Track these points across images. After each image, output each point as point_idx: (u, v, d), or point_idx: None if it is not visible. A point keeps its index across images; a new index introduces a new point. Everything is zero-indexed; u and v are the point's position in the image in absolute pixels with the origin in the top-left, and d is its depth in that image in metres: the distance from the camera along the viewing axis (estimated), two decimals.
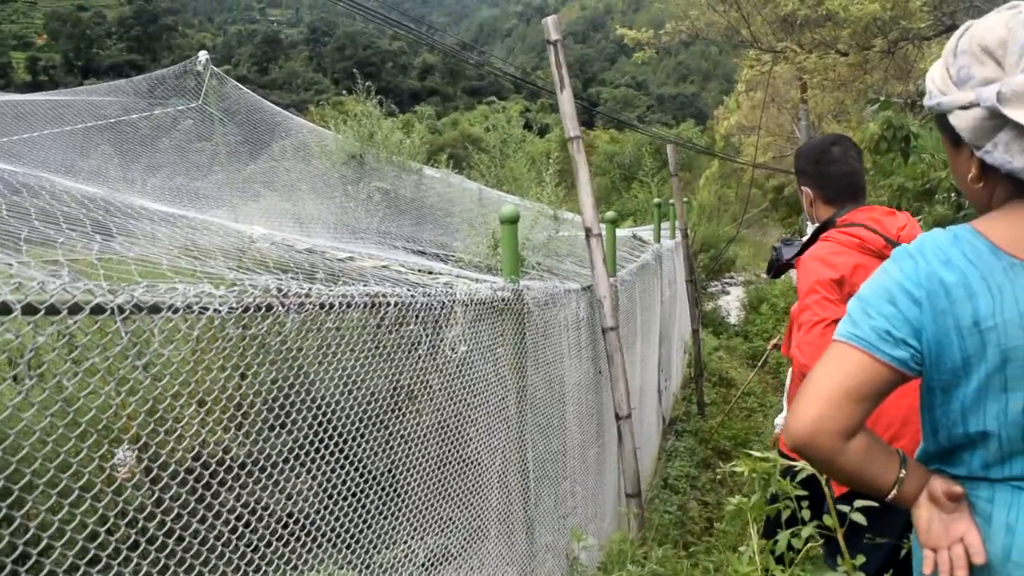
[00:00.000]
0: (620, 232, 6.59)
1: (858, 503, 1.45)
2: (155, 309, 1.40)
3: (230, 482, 1.77)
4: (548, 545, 3.27)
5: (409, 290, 2.31)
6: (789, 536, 1.57)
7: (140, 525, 1.55)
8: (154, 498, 1.62)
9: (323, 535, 1.92)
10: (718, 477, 6.24)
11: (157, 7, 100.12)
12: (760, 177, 20.60)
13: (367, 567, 2.06)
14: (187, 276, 1.73)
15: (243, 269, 2.03)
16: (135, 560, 1.42)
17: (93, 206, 2.12)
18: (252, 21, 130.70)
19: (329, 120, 7.27)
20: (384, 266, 3.49)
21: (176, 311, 1.43)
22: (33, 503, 1.36)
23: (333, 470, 1.97)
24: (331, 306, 1.88)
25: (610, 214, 5.26)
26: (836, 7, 8.41)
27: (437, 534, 2.44)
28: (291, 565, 1.87)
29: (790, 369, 3.54)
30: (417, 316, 2.33)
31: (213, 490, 1.66)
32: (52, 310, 1.22)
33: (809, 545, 1.57)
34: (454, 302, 2.52)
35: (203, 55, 7.28)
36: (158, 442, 1.67)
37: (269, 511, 1.84)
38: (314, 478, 1.97)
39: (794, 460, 1.49)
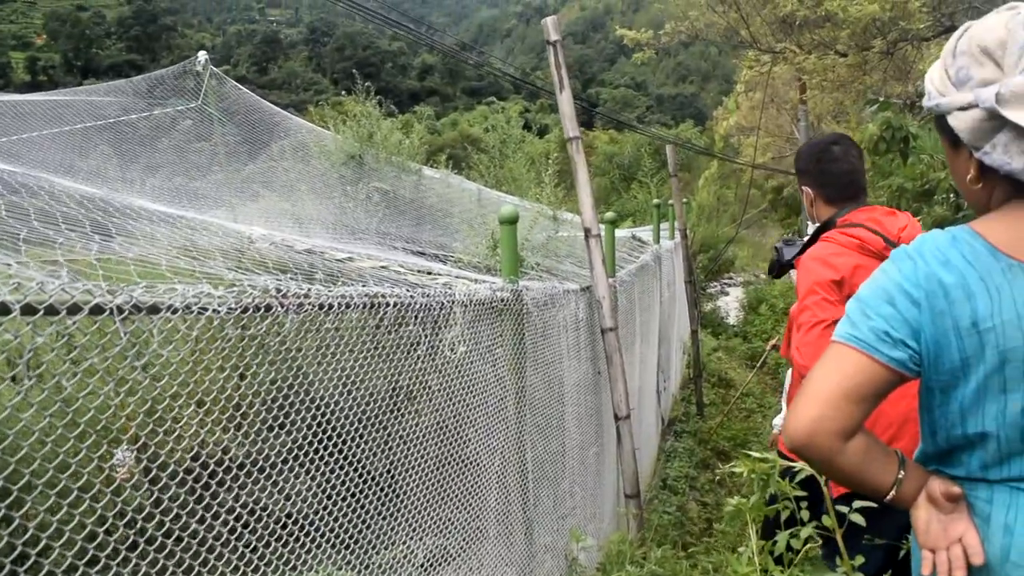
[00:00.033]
0: (619, 233, 6.60)
1: (857, 504, 1.45)
2: (154, 309, 1.40)
3: (229, 483, 1.77)
4: (547, 546, 3.27)
5: (408, 291, 2.31)
6: (788, 537, 1.57)
7: (139, 526, 1.55)
8: (153, 499, 1.61)
9: (322, 536, 1.92)
10: (717, 478, 6.24)
11: (156, 7, 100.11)
12: (759, 178, 20.63)
13: (366, 568, 2.06)
14: (186, 276, 1.73)
15: (242, 269, 2.03)
16: (134, 560, 1.42)
17: (92, 206, 2.12)
18: (251, 21, 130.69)
19: (328, 120, 7.27)
20: (383, 267, 3.49)
21: (175, 311, 1.43)
22: (32, 503, 1.35)
23: (332, 471, 1.97)
24: (330, 307, 1.87)
25: (609, 215, 5.26)
26: (835, 8, 8.41)
27: (436, 535, 2.43)
28: (290, 566, 1.87)
29: (789, 370, 3.54)
30: (416, 317, 2.33)
31: (212, 491, 1.66)
32: (51, 310, 1.22)
33: (808, 546, 1.57)
34: (453, 303, 2.52)
35: (202, 55, 7.27)
36: (157, 443, 1.66)
37: (268, 512, 1.84)
38: (313, 479, 1.97)
39: (793, 461, 1.49)
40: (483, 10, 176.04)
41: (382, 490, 2.14)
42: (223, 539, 1.64)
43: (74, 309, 1.25)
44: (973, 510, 1.23)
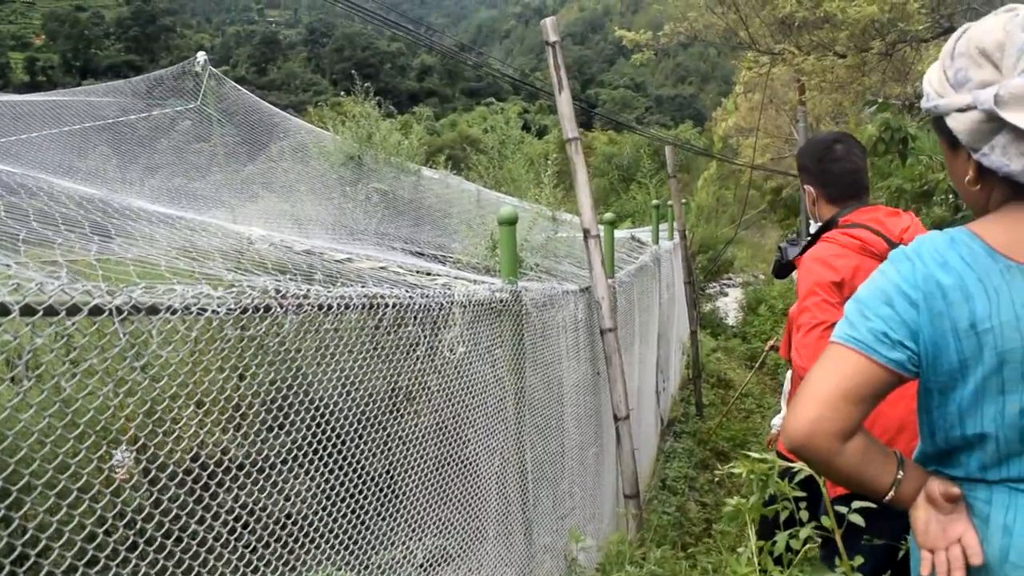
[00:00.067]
0: (618, 233, 6.60)
1: (856, 504, 1.45)
2: (153, 310, 1.40)
3: (228, 483, 1.77)
4: (546, 546, 3.27)
5: (407, 291, 2.31)
6: (787, 537, 1.57)
7: (138, 526, 1.55)
8: (152, 499, 1.61)
9: (321, 536, 1.92)
10: (716, 478, 6.24)
11: (155, 8, 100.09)
12: (758, 178, 20.66)
13: (365, 568, 2.06)
14: (185, 277, 1.73)
15: (241, 270, 2.03)
16: (133, 561, 1.42)
17: (91, 207, 2.12)
18: (250, 22, 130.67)
19: (327, 121, 7.26)
20: (382, 267, 3.49)
21: (174, 312, 1.43)
22: (31, 504, 1.35)
23: (331, 471, 1.97)
24: (329, 307, 1.88)
25: (608, 215, 5.26)
26: (834, 9, 8.42)
27: (435, 535, 2.44)
28: (289, 566, 1.87)
29: (789, 371, 3.54)
30: (415, 317, 2.33)
31: (211, 491, 1.66)
32: (50, 311, 1.22)
33: (807, 546, 1.57)
34: (452, 303, 2.52)
35: (201, 56, 7.27)
36: (156, 443, 1.66)
37: (267, 512, 1.84)
38: (312, 479, 1.97)
39: (792, 461, 1.50)
40: (482, 11, 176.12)
41: (381, 491, 2.14)
42: (222, 540, 1.64)
43: (73, 310, 1.25)
44: (972, 511, 1.24)
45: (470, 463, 2.64)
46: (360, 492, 2.04)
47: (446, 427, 2.50)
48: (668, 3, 12.06)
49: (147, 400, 1.53)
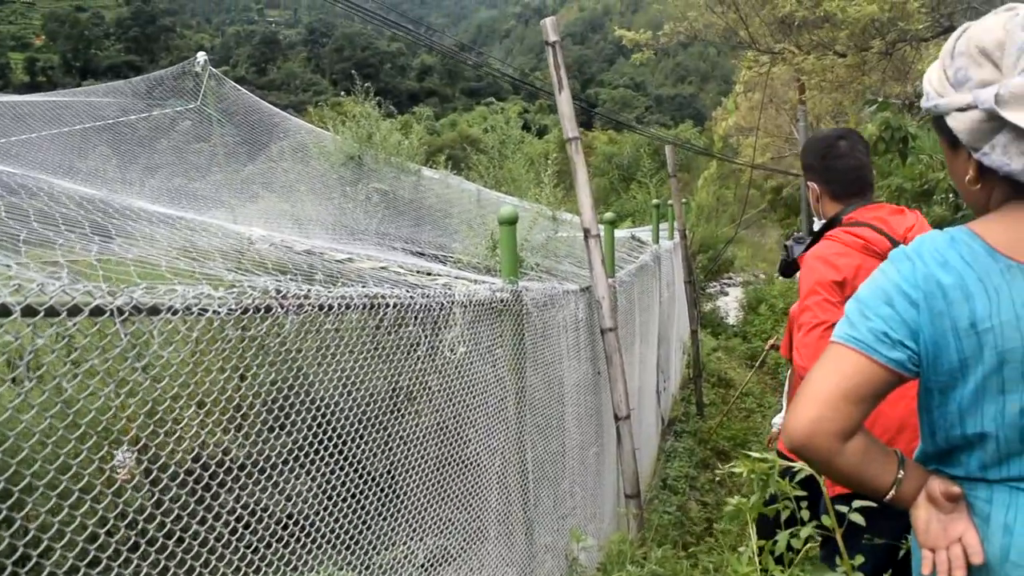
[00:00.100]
0: (618, 233, 6.60)
1: (856, 503, 1.45)
2: (154, 311, 1.40)
3: (229, 483, 1.77)
4: (547, 546, 3.27)
5: (408, 291, 2.31)
6: (788, 536, 1.57)
7: (140, 527, 1.56)
8: (153, 500, 1.62)
9: (322, 536, 1.92)
10: (717, 478, 6.24)
11: (155, 8, 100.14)
12: (758, 178, 20.66)
13: (367, 568, 2.06)
14: (186, 278, 1.73)
15: (242, 270, 2.03)
16: (135, 561, 1.42)
17: (91, 207, 2.12)
18: (250, 22, 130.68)
19: (327, 121, 7.26)
20: (383, 267, 3.49)
21: (175, 313, 1.43)
22: (33, 505, 1.35)
23: (332, 471, 1.97)
24: (330, 307, 1.88)
25: (608, 215, 5.26)
26: (834, 8, 8.42)
27: (436, 535, 2.44)
28: (290, 566, 1.87)
29: (789, 370, 3.54)
30: (416, 317, 2.33)
31: (212, 491, 1.66)
32: (51, 312, 1.22)
33: (808, 546, 1.57)
34: (453, 303, 2.52)
35: (201, 56, 7.27)
36: (157, 444, 1.67)
37: (268, 512, 1.84)
38: (313, 479, 1.97)
39: (792, 460, 1.50)
40: (482, 11, 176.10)
41: (382, 490, 2.14)
42: (224, 540, 1.64)
43: (74, 311, 1.25)
44: (973, 510, 1.24)
45: (471, 463, 2.64)
46: (361, 492, 2.05)
47: (447, 427, 2.50)
48: (668, 3, 12.07)
49: (148, 400, 1.53)
